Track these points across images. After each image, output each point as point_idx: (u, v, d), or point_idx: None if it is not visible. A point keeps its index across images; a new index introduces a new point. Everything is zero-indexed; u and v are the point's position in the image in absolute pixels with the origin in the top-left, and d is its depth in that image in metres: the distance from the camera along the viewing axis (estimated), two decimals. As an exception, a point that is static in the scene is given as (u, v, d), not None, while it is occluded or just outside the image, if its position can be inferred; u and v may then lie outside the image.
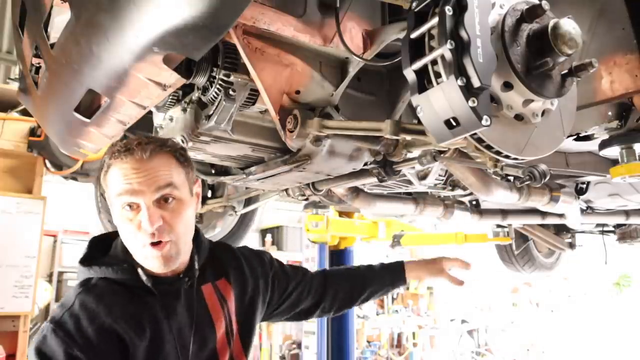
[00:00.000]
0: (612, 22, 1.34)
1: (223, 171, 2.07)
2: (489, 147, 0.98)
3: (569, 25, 0.95)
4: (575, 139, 1.75)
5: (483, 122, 0.84)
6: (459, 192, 2.19)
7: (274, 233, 8.46)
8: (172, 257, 1.15)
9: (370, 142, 1.39)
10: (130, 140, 1.16)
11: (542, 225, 3.55)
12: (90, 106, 1.25)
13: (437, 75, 0.89)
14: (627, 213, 2.93)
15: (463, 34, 0.85)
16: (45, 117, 1.56)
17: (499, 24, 0.95)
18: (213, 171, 2.13)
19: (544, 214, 2.69)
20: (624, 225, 3.44)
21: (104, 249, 1.25)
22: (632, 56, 1.30)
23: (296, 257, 7.89)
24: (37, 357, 1.06)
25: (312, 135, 1.34)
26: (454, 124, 0.89)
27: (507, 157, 1.01)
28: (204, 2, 0.84)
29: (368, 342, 8.38)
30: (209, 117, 1.39)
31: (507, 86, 0.96)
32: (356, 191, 2.03)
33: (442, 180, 2.14)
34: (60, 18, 1.21)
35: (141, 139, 1.16)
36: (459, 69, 0.85)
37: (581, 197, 2.36)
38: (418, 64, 0.91)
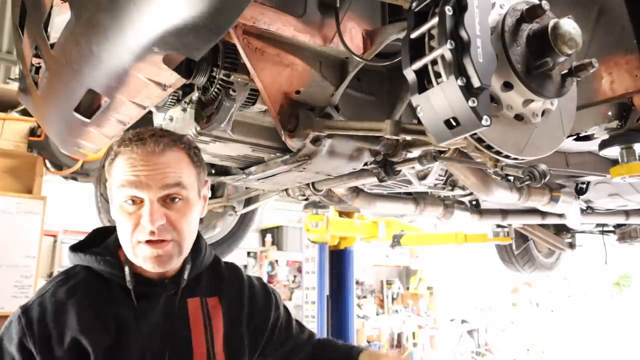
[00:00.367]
0: (612, 22, 1.34)
1: (223, 171, 2.07)
2: (489, 147, 0.98)
3: (569, 25, 0.95)
4: (575, 139, 1.75)
5: (483, 122, 0.84)
6: (459, 192, 2.19)
7: (274, 233, 8.46)
8: (172, 257, 1.07)
9: (370, 142, 1.39)
10: (144, 130, 1.08)
11: (542, 225, 3.55)
12: (90, 106, 1.25)
13: (437, 75, 0.89)
14: (627, 213, 2.93)
15: (463, 34, 0.85)
16: (45, 117, 1.56)
17: (499, 24, 0.95)
18: (213, 171, 2.13)
19: (544, 214, 2.69)
20: (624, 225, 3.44)
21: (101, 240, 1.19)
22: (632, 56, 1.30)
23: (296, 257, 7.90)
24: None
25: (312, 135, 1.34)
26: (454, 124, 0.89)
27: (507, 157, 1.01)
28: (204, 2, 0.84)
29: (368, 342, 8.37)
30: (209, 117, 1.39)
31: (507, 86, 0.96)
32: (356, 191, 2.03)
33: (442, 180, 2.13)
34: (60, 18, 1.21)
35: (156, 130, 1.09)
36: (459, 69, 0.85)
37: (581, 197, 2.36)
38: (418, 64, 0.91)
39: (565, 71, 1.00)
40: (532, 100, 0.99)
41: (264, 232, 8.52)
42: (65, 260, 6.10)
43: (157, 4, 0.87)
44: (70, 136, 1.46)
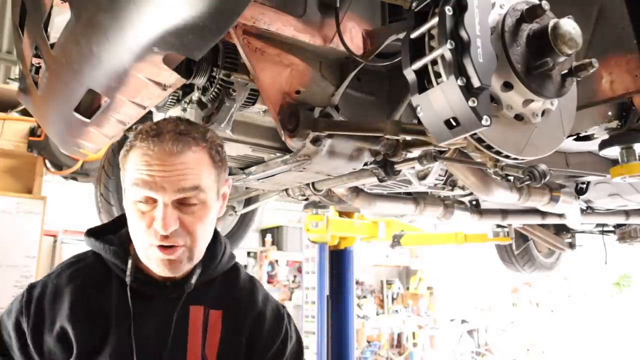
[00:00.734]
0: (612, 22, 1.34)
1: (223, 171, 2.07)
2: (489, 147, 0.98)
3: (569, 25, 0.95)
4: (575, 139, 1.75)
5: (483, 122, 0.84)
6: (459, 192, 2.19)
7: (274, 233, 8.46)
8: (182, 263, 1.00)
9: (370, 142, 1.39)
10: (164, 122, 1.00)
11: (542, 225, 3.55)
12: (90, 106, 1.25)
13: (437, 75, 0.89)
14: (627, 213, 2.93)
15: (463, 34, 0.85)
16: (45, 117, 1.56)
17: (499, 24, 0.95)
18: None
19: (544, 214, 2.69)
20: (624, 225, 3.44)
21: (120, 228, 1.13)
22: (632, 56, 1.30)
23: (296, 257, 7.90)
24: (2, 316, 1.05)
25: (312, 135, 1.34)
26: (454, 124, 0.89)
27: (507, 157, 1.01)
28: (204, 2, 0.84)
29: (368, 342, 8.37)
30: (209, 117, 1.39)
31: (507, 86, 0.96)
32: (356, 191, 2.03)
33: (442, 180, 2.13)
34: (60, 18, 1.21)
35: (177, 124, 1.00)
36: (459, 69, 0.85)
37: (581, 197, 2.36)
38: (418, 64, 0.91)
39: (565, 71, 1.00)
40: (532, 100, 0.99)
41: (264, 232, 8.52)
42: (65, 261, 6.10)
43: (157, 4, 0.87)
44: (70, 136, 1.46)
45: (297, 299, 7.55)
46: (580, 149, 1.98)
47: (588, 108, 1.43)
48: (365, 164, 1.57)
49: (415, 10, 0.93)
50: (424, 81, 0.92)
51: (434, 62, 0.89)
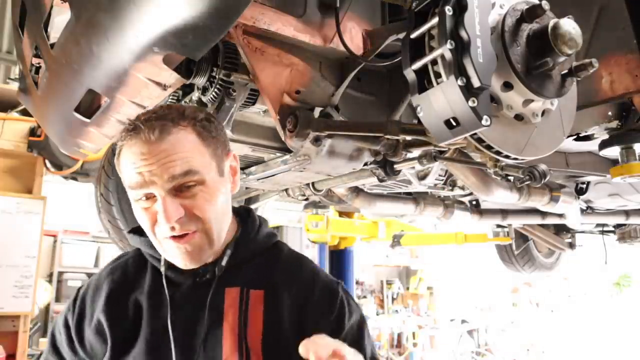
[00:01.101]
0: (612, 22, 1.34)
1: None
2: (489, 147, 0.98)
3: (569, 25, 0.95)
4: (575, 139, 1.75)
5: (483, 122, 0.84)
6: (459, 192, 2.19)
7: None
8: (202, 250, 0.96)
9: (370, 142, 1.39)
10: (141, 114, 0.95)
11: (542, 225, 3.55)
12: (90, 106, 1.25)
13: (437, 75, 0.89)
14: (627, 213, 2.93)
15: (463, 34, 0.85)
16: (45, 117, 1.56)
17: (499, 24, 0.95)
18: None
19: (544, 214, 2.69)
20: (624, 225, 3.44)
21: None
22: (632, 56, 1.30)
23: (296, 257, 7.88)
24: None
25: (312, 135, 1.34)
26: (454, 124, 0.89)
27: (507, 157, 1.01)
28: (204, 2, 0.84)
29: (368, 342, 8.37)
30: (209, 117, 1.39)
31: (507, 86, 0.96)
32: (356, 191, 2.03)
33: (442, 180, 2.14)
34: (60, 18, 1.21)
35: (152, 111, 0.95)
36: (459, 69, 0.85)
37: (581, 197, 2.36)
38: (418, 64, 0.91)
39: (565, 71, 1.00)
40: (532, 100, 0.99)
41: (264, 232, 8.51)
42: (65, 261, 6.11)
43: (157, 4, 0.87)
44: (70, 136, 1.46)
45: (297, 299, 7.53)
46: (580, 149, 1.98)
47: (588, 108, 1.43)
48: (365, 164, 1.57)
49: (415, 10, 0.93)
50: (424, 81, 0.92)
51: (434, 62, 0.89)
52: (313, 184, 1.87)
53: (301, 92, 1.35)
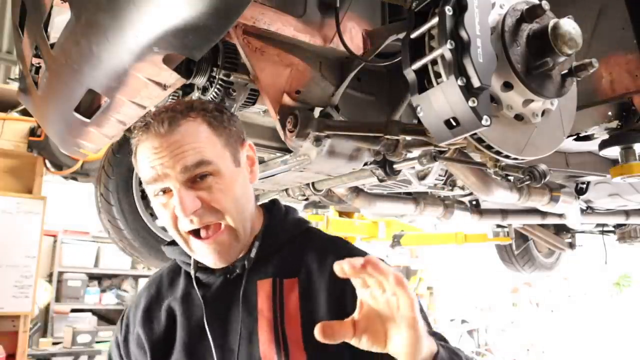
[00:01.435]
0: (612, 22, 1.34)
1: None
2: (489, 147, 0.98)
3: (569, 25, 0.95)
4: (575, 139, 1.75)
5: (483, 122, 0.84)
6: (459, 192, 2.20)
7: (274, 233, 8.43)
8: (231, 246, 0.95)
9: (370, 142, 1.39)
10: (150, 111, 0.97)
11: (542, 225, 3.55)
12: (90, 106, 1.25)
13: (437, 75, 0.89)
14: (627, 213, 2.93)
15: (463, 34, 0.85)
16: (45, 117, 1.56)
17: (499, 24, 0.95)
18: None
19: (544, 214, 2.69)
20: (624, 225, 3.44)
21: None
22: (632, 56, 1.30)
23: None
24: None
25: (312, 135, 1.34)
26: (454, 124, 0.89)
27: (507, 157, 1.01)
28: (204, 2, 0.84)
29: (368, 342, 8.36)
30: (209, 117, 1.39)
31: (507, 86, 0.96)
32: (356, 191, 2.03)
33: (442, 180, 2.14)
34: (60, 18, 1.21)
35: (160, 108, 0.96)
36: (459, 69, 0.85)
37: (581, 197, 2.36)
38: (418, 64, 0.91)
39: (565, 71, 1.00)
40: (532, 100, 0.99)
41: (264, 232, 8.49)
42: (65, 261, 6.11)
43: (157, 4, 0.87)
44: (70, 136, 1.46)
45: (297, 299, 7.53)
46: (580, 149, 1.98)
47: (588, 108, 1.43)
48: (365, 164, 1.57)
49: (415, 10, 0.93)
50: (424, 81, 0.92)
51: (434, 62, 0.89)
52: (313, 184, 1.87)
53: (301, 92, 1.35)
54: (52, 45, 1.21)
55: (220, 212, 0.92)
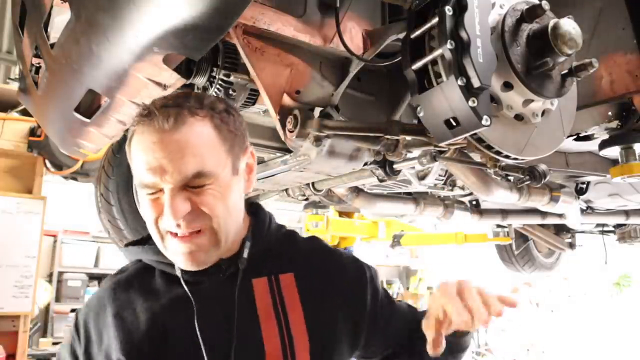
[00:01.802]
0: (612, 22, 1.34)
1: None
2: (489, 147, 0.98)
3: (569, 25, 0.95)
4: (575, 139, 1.75)
5: (483, 122, 0.84)
6: (459, 192, 2.19)
7: (274, 233, 8.43)
8: (207, 252, 0.90)
9: (370, 142, 1.39)
10: (158, 99, 0.89)
11: (542, 225, 3.55)
12: (90, 106, 1.25)
13: (437, 75, 0.89)
14: (627, 213, 2.93)
15: (463, 34, 0.85)
16: (45, 117, 1.56)
17: (499, 24, 0.95)
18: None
19: (544, 214, 2.69)
20: (624, 225, 3.44)
21: None
22: (632, 56, 1.30)
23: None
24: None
25: (312, 135, 1.34)
26: (454, 124, 0.89)
27: (507, 157, 1.01)
28: (204, 2, 0.84)
29: (368, 342, 8.36)
30: (209, 117, 1.39)
31: (507, 86, 0.96)
32: (356, 191, 2.03)
33: (442, 180, 2.14)
34: (60, 18, 1.21)
35: (170, 97, 0.89)
36: (459, 69, 0.85)
37: (581, 197, 2.36)
38: (418, 64, 0.91)
39: (565, 71, 1.00)
40: (532, 100, 0.99)
41: (264, 232, 8.49)
42: (65, 261, 6.11)
43: (157, 4, 0.87)
44: (70, 136, 1.46)
45: (297, 299, 7.53)
46: (580, 149, 1.98)
47: (588, 108, 1.43)
48: (365, 164, 1.57)
49: (415, 10, 0.93)
50: (424, 81, 0.92)
51: (434, 62, 0.89)
52: (313, 184, 1.87)
53: (301, 92, 1.35)
54: (52, 45, 1.21)
55: (209, 217, 0.88)
